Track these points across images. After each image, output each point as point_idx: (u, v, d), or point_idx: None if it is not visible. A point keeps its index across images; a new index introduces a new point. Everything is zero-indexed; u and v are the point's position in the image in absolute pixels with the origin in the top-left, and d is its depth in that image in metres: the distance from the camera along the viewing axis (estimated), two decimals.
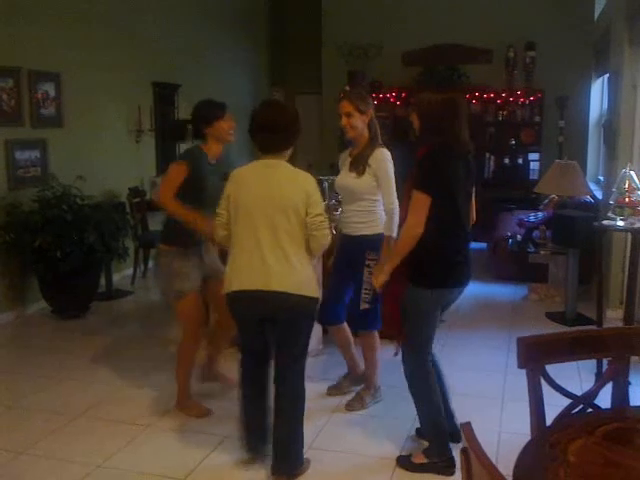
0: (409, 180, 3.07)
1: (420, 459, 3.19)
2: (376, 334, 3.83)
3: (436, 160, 2.99)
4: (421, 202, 2.93)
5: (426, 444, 3.26)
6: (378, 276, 3.23)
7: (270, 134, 3.00)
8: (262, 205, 2.93)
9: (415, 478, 3.12)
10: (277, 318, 3.00)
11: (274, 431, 3.07)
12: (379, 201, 3.64)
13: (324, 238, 2.96)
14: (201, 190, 3.55)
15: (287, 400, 3.05)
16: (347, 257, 3.76)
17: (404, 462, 3.23)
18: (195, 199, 3.51)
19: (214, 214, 3.12)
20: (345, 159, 3.77)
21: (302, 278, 2.95)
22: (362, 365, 4.00)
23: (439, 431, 3.17)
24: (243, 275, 2.97)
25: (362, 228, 3.65)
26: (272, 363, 3.15)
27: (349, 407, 3.85)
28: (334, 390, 4.06)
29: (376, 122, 3.66)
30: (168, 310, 5.92)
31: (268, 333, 3.09)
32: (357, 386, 4.01)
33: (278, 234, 2.92)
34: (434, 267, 3.03)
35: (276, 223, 2.91)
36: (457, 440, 3.21)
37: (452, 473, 3.12)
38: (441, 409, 3.17)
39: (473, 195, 3.22)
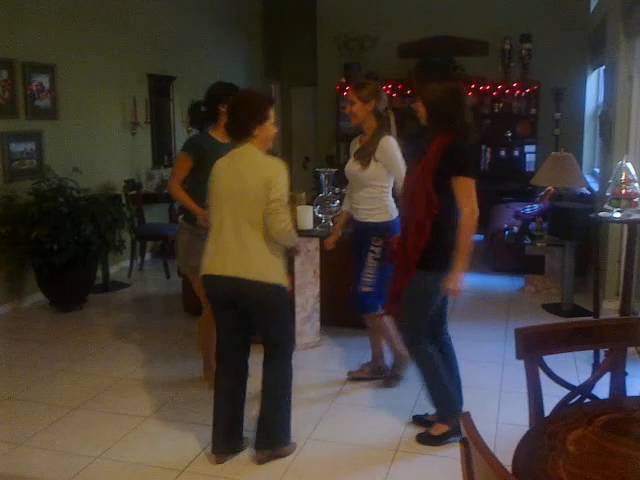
0: (419, 170, 3.15)
1: (438, 429, 3.30)
2: (384, 317, 3.89)
3: (464, 146, 3.13)
4: (470, 187, 3.04)
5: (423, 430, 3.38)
6: (455, 282, 3.10)
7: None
8: (226, 194, 3.02)
9: (414, 468, 3.14)
10: (241, 304, 3.05)
11: (259, 412, 3.17)
12: (386, 188, 3.75)
13: (278, 224, 2.97)
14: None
15: (269, 384, 3.14)
16: (359, 243, 3.85)
17: (424, 439, 3.33)
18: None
19: None
20: (355, 145, 3.88)
21: (260, 265, 3.00)
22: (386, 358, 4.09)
23: (447, 395, 3.29)
24: (208, 260, 3.09)
25: (370, 215, 3.76)
26: (247, 357, 3.22)
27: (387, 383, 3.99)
28: (355, 374, 4.12)
29: (388, 113, 3.75)
30: (165, 302, 5.96)
31: (243, 322, 3.12)
32: (377, 377, 4.08)
33: (239, 222, 2.99)
34: (448, 251, 3.09)
35: (238, 211, 2.99)
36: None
37: None
38: (444, 375, 3.28)
39: None
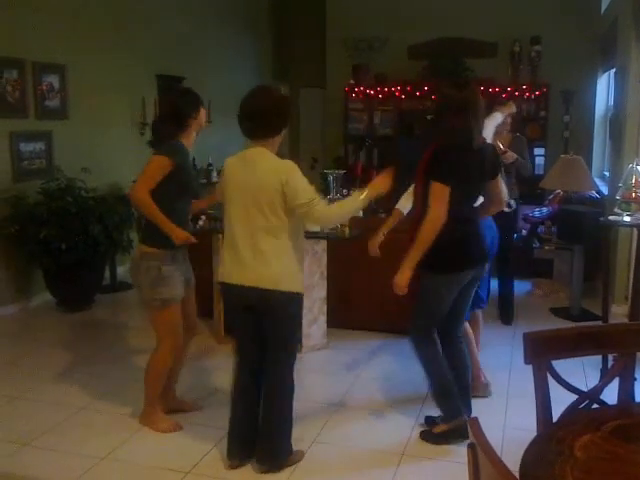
0: (419, 172, 3.17)
1: (439, 428, 3.34)
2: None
3: (453, 152, 3.09)
4: (442, 193, 3.02)
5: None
6: (401, 273, 3.12)
7: (253, 121, 2.96)
8: (239, 197, 2.93)
9: (420, 472, 3.12)
10: (258, 310, 3.00)
11: (260, 421, 3.11)
12: None
13: (317, 221, 3.02)
14: (188, 184, 3.41)
15: (268, 391, 3.09)
16: None
17: (426, 436, 3.38)
18: (181, 193, 3.38)
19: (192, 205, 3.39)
20: None
21: (277, 273, 2.92)
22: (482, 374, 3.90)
23: (449, 396, 3.30)
24: (224, 267, 3.02)
25: None
26: (263, 361, 3.12)
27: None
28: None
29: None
30: None
31: (259, 327, 3.05)
32: (481, 395, 3.81)
33: (253, 227, 2.90)
34: (451, 253, 3.13)
35: (251, 216, 2.90)
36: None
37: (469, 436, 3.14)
38: (448, 376, 3.29)
39: (495, 182, 3.31)
